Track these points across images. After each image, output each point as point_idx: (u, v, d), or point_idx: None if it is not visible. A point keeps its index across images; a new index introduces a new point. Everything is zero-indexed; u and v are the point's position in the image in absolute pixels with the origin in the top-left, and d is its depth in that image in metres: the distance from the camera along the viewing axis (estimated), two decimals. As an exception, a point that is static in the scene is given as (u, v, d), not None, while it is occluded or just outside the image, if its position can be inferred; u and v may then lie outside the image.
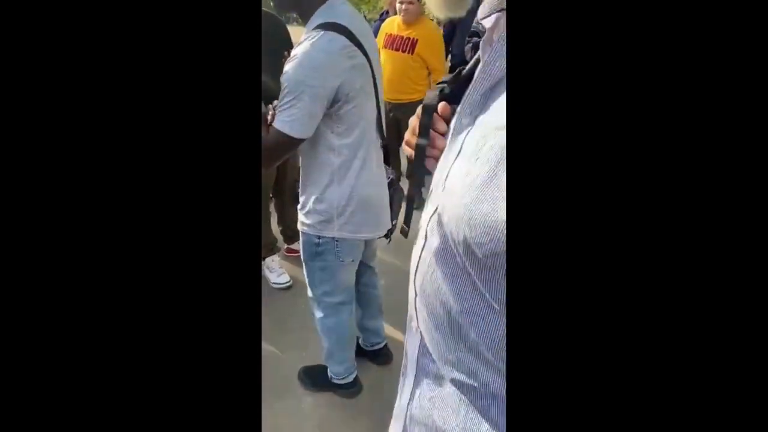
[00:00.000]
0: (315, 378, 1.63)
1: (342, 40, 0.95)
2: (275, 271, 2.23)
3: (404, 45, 2.55)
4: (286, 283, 2.21)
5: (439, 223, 0.48)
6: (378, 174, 1.18)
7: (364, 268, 1.47)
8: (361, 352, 1.68)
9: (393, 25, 2.61)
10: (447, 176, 0.45)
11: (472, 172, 0.47)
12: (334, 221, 1.15)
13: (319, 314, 1.40)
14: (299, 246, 2.37)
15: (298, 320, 2.01)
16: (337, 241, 1.18)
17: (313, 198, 1.14)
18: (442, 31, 2.68)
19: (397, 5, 2.53)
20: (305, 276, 1.35)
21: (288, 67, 0.93)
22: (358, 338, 1.69)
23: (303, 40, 0.95)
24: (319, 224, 1.17)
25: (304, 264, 1.30)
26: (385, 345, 1.74)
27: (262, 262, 2.26)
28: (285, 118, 0.96)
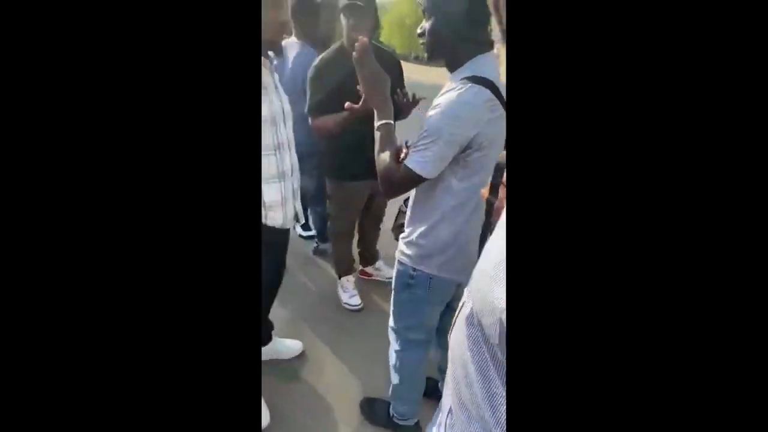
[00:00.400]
0: (376, 412, 1.60)
1: (486, 93, 1.00)
2: (348, 291, 2.26)
3: None
4: (358, 305, 2.22)
5: (469, 290, 0.48)
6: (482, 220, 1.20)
7: (447, 310, 1.43)
8: (435, 394, 1.61)
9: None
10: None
11: (493, 249, 0.45)
12: (433, 258, 1.17)
13: (396, 347, 1.38)
14: (374, 271, 2.45)
15: (363, 344, 2.00)
16: (431, 278, 1.19)
17: (418, 232, 1.17)
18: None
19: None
20: (391, 306, 1.34)
21: (432, 113, 1.00)
22: (435, 381, 1.64)
23: (448, 89, 1.02)
24: (418, 257, 1.19)
25: (394, 293, 1.31)
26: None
27: (337, 282, 2.30)
28: (418, 158, 1.02)
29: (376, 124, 1.08)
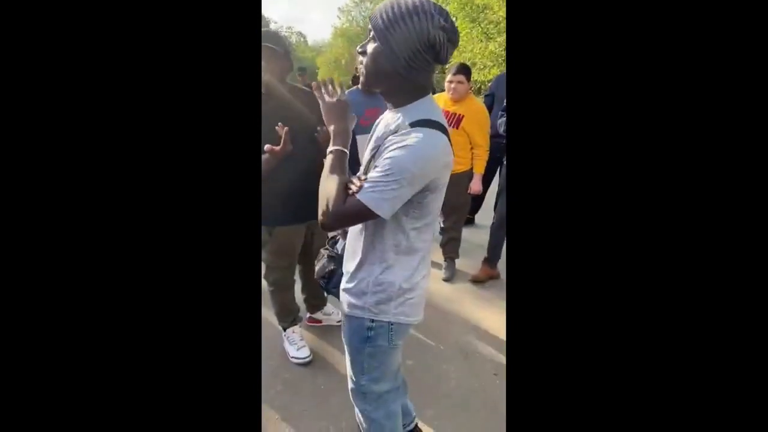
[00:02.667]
0: None
1: (444, 138, 0.98)
2: (296, 343, 2.05)
3: (451, 120, 2.57)
4: (306, 357, 2.01)
5: None
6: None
7: None
8: None
9: (440, 101, 2.66)
10: None
11: None
12: (390, 303, 1.09)
13: (365, 406, 1.26)
14: (323, 316, 2.27)
15: (316, 398, 1.78)
16: (392, 325, 1.11)
17: (372, 278, 1.08)
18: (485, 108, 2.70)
19: (446, 84, 2.59)
20: (348, 364, 1.22)
21: (396, 152, 0.94)
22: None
23: (405, 132, 0.97)
24: (375, 307, 1.09)
25: (350, 350, 1.19)
26: (416, 425, 1.55)
27: (282, 334, 2.08)
28: (376, 195, 0.95)
29: (330, 149, 1.03)
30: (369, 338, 1.12)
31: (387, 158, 0.95)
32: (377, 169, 0.95)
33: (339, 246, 1.33)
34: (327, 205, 0.98)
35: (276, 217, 1.80)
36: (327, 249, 1.35)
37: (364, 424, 1.28)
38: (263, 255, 1.98)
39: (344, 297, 1.14)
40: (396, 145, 0.95)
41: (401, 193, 0.95)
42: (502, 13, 11.39)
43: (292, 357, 2.02)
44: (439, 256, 2.99)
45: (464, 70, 2.59)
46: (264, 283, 2.00)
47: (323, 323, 2.29)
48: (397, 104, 1.03)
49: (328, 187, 0.99)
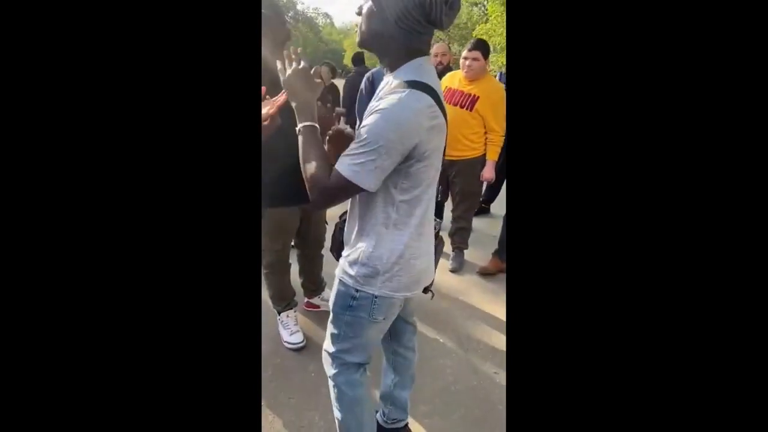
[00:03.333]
0: None
1: (428, 99, 0.93)
2: (289, 328, 1.99)
3: (464, 101, 2.42)
4: (299, 343, 1.96)
5: None
6: (429, 229, 1.13)
7: (403, 326, 1.39)
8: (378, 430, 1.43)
9: (454, 79, 2.51)
10: None
11: None
12: (377, 278, 1.07)
13: (332, 371, 1.25)
14: (320, 301, 2.21)
15: (306, 387, 1.73)
16: (376, 298, 1.09)
17: (360, 249, 1.07)
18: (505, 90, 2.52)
19: (461, 61, 2.43)
20: (329, 329, 1.21)
21: (370, 118, 0.91)
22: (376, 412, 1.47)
23: (389, 93, 0.92)
24: (362, 278, 1.08)
25: (333, 315, 1.18)
26: (407, 425, 1.49)
27: (277, 318, 2.03)
28: (355, 166, 0.92)
29: (298, 126, 0.99)
30: (351, 307, 1.11)
31: (363, 126, 0.91)
32: (356, 139, 0.92)
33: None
34: (312, 185, 0.96)
35: (268, 197, 1.71)
36: (339, 222, 1.34)
37: (331, 389, 1.27)
38: None
39: (340, 261, 1.14)
40: (372, 111, 0.91)
41: (381, 162, 0.91)
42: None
43: (285, 342, 1.97)
44: (447, 246, 2.88)
45: (480, 46, 2.41)
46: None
47: (321, 308, 2.23)
48: (392, 67, 0.99)
49: (308, 166, 0.97)
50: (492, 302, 2.44)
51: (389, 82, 0.97)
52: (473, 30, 16.90)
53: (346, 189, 0.94)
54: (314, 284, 2.18)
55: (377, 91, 1.03)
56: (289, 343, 1.96)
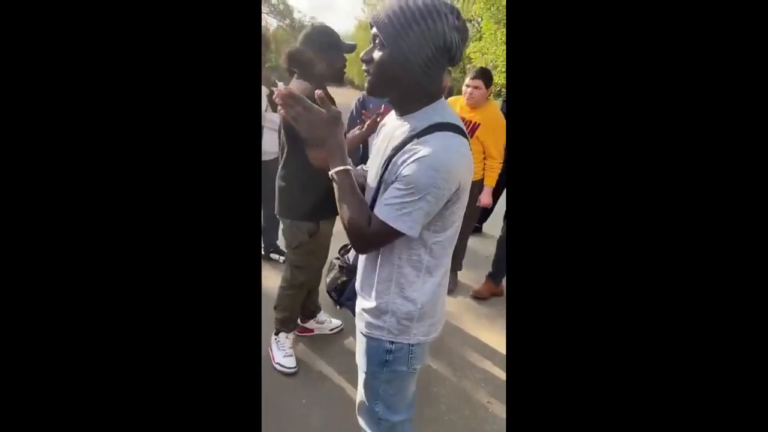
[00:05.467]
0: None
1: (463, 141, 0.91)
2: (284, 350, 1.95)
3: (466, 127, 2.42)
4: (292, 368, 1.92)
5: None
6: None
7: None
8: None
9: (455, 106, 2.53)
10: None
11: None
12: (412, 325, 1.01)
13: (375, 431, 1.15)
14: (315, 324, 2.17)
15: (295, 414, 1.69)
16: (412, 346, 1.03)
17: (393, 298, 1.00)
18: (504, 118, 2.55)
19: (464, 88, 2.45)
20: (364, 390, 1.13)
21: (414, 165, 0.86)
22: None
23: (419, 141, 0.89)
24: (396, 329, 1.01)
25: (365, 375, 1.10)
26: None
27: (273, 337, 1.99)
28: (403, 216, 0.88)
29: (332, 172, 0.93)
30: (387, 362, 1.03)
31: (407, 174, 0.86)
32: (398, 186, 0.87)
33: (351, 255, 1.25)
34: (350, 232, 0.92)
35: (312, 211, 1.68)
36: (338, 259, 1.26)
37: None
38: (292, 257, 1.84)
39: (362, 316, 1.05)
40: (414, 158, 0.86)
41: (428, 209, 0.88)
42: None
43: (277, 363, 1.93)
44: (441, 267, 2.87)
45: (483, 75, 2.43)
46: (282, 285, 1.90)
47: (314, 332, 2.19)
48: (407, 111, 0.95)
49: (345, 212, 0.92)
50: (485, 328, 2.44)
51: (408, 126, 0.92)
52: (467, 47, 17.13)
53: (388, 236, 0.90)
54: (313, 305, 2.15)
55: (388, 132, 0.98)
56: (280, 365, 1.92)
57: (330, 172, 0.93)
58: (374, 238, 0.92)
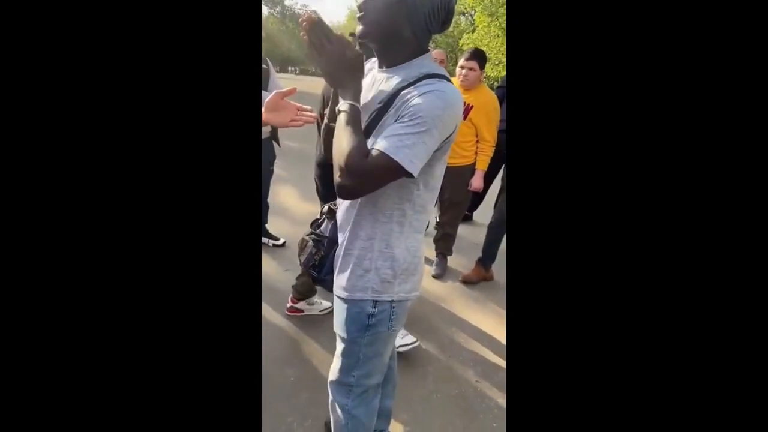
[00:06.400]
0: None
1: (459, 91, 0.91)
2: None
3: None
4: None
5: None
6: None
7: None
8: None
9: None
10: None
11: None
12: (394, 281, 0.99)
13: (346, 401, 1.14)
14: (307, 306, 2.15)
15: (285, 391, 1.68)
16: (393, 307, 1.02)
17: (377, 256, 0.98)
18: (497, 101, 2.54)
19: (458, 69, 2.44)
20: (342, 358, 1.10)
21: (420, 99, 0.83)
22: None
23: (424, 82, 0.87)
24: (380, 285, 0.99)
25: (346, 341, 1.07)
26: None
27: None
28: (405, 149, 0.82)
29: (342, 105, 0.88)
30: (369, 326, 1.02)
31: (414, 105, 0.83)
32: (403, 120, 0.83)
33: (324, 228, 1.21)
34: (345, 164, 0.82)
35: None
36: (311, 234, 1.21)
37: (342, 420, 1.16)
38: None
39: (341, 280, 1.02)
40: (419, 94, 0.84)
41: (430, 144, 0.85)
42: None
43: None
44: (430, 252, 2.87)
45: (478, 56, 2.43)
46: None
47: (305, 313, 2.18)
48: (394, 62, 0.93)
49: (343, 143, 0.84)
50: (474, 310, 2.45)
51: (399, 75, 0.91)
52: (460, 39, 17.11)
53: (387, 173, 0.83)
54: (308, 287, 2.12)
55: (374, 83, 0.96)
56: (403, 345, 1.93)
57: (340, 105, 0.88)
58: (370, 174, 0.84)
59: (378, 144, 0.83)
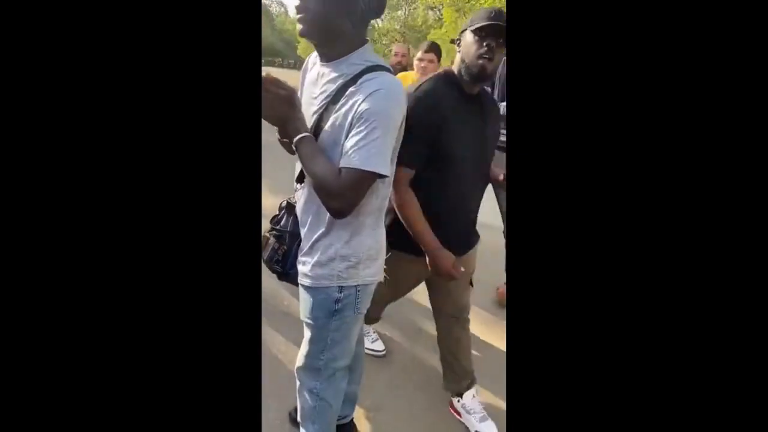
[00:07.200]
0: None
1: (400, 82, 0.94)
2: (369, 337, 1.95)
3: None
4: (381, 351, 1.92)
5: None
6: None
7: None
8: None
9: (407, 80, 2.57)
10: None
11: None
12: (359, 266, 1.03)
13: (315, 384, 1.16)
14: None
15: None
16: (358, 290, 1.05)
17: (341, 244, 1.00)
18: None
19: (416, 62, 2.50)
20: (310, 344, 1.12)
21: (366, 103, 0.86)
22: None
23: (363, 81, 0.90)
24: (345, 272, 1.02)
25: (314, 328, 1.09)
26: (352, 420, 1.46)
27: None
28: (374, 157, 0.87)
29: (296, 138, 0.91)
30: (336, 311, 1.05)
31: (363, 111, 0.86)
32: (359, 128, 0.87)
33: (285, 223, 1.21)
34: (324, 190, 0.90)
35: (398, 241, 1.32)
36: (272, 231, 1.22)
37: (309, 403, 1.18)
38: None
39: (305, 269, 1.05)
40: (365, 96, 0.87)
41: (390, 141, 0.91)
42: (488, 4, 11.32)
43: (368, 349, 1.87)
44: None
45: (435, 48, 2.52)
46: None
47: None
48: (335, 56, 0.95)
49: (316, 173, 0.90)
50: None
51: (340, 70, 0.93)
52: (428, 34, 17.23)
53: (366, 181, 0.88)
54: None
55: (318, 79, 0.98)
56: (371, 350, 1.91)
57: (296, 138, 0.91)
58: (351, 189, 0.89)
59: (346, 160, 0.88)
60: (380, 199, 1.01)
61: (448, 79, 1.28)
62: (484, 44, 1.17)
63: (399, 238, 1.27)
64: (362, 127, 0.86)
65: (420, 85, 1.27)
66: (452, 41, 1.33)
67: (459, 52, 1.26)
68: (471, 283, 1.56)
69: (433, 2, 16.36)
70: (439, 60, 2.52)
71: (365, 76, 0.90)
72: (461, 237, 1.40)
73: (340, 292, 1.03)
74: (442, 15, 16.01)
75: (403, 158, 1.11)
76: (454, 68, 1.28)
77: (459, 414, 1.63)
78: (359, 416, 1.57)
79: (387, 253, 1.17)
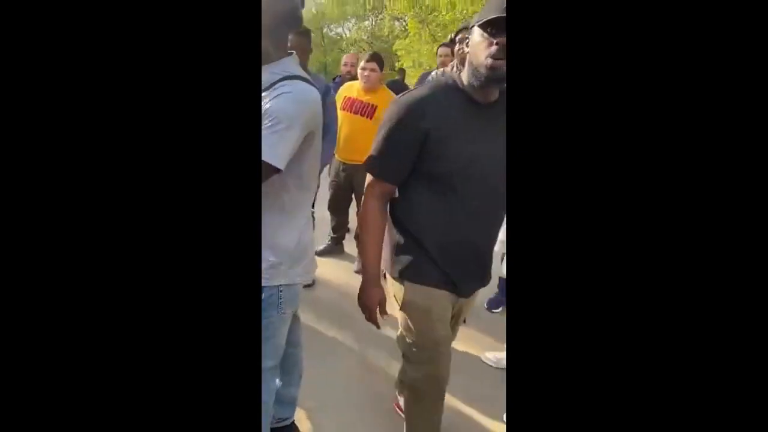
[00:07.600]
0: None
1: (316, 92, 1.01)
2: None
3: (364, 110, 2.57)
4: None
5: None
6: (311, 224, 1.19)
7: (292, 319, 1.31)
8: None
9: (352, 89, 2.67)
10: None
11: None
12: (281, 267, 1.06)
13: None
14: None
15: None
16: (281, 290, 1.08)
17: (262, 243, 1.02)
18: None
19: (359, 71, 2.58)
20: None
21: (274, 102, 0.92)
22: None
23: (279, 85, 0.96)
24: (266, 272, 1.05)
25: None
26: (293, 423, 1.48)
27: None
28: (268, 149, 0.92)
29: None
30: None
31: (270, 107, 0.92)
32: (263, 125, 0.92)
33: None
34: None
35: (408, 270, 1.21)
36: None
37: None
38: (402, 321, 1.46)
39: None
40: (272, 98, 0.94)
41: (294, 140, 0.95)
42: (450, 16, 11.61)
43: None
44: (352, 248, 2.95)
45: (376, 58, 2.65)
46: None
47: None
48: (265, 61, 1.02)
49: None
50: (391, 303, 2.54)
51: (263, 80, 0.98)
52: (393, 44, 17.48)
53: (264, 173, 0.92)
54: None
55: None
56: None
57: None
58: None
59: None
60: (291, 195, 1.05)
61: (447, 84, 1.10)
62: (495, 42, 0.95)
63: (408, 266, 1.12)
64: (266, 122, 0.92)
65: (410, 89, 1.14)
66: (452, 40, 1.28)
67: (467, 52, 1.05)
68: (464, 320, 1.44)
69: (399, 13, 16.64)
70: (381, 69, 2.62)
71: (278, 84, 0.96)
72: (467, 275, 1.18)
73: (263, 293, 1.06)
74: (407, 25, 16.28)
75: (373, 166, 1.12)
76: (463, 73, 1.08)
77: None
78: (300, 417, 1.60)
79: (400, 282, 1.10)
